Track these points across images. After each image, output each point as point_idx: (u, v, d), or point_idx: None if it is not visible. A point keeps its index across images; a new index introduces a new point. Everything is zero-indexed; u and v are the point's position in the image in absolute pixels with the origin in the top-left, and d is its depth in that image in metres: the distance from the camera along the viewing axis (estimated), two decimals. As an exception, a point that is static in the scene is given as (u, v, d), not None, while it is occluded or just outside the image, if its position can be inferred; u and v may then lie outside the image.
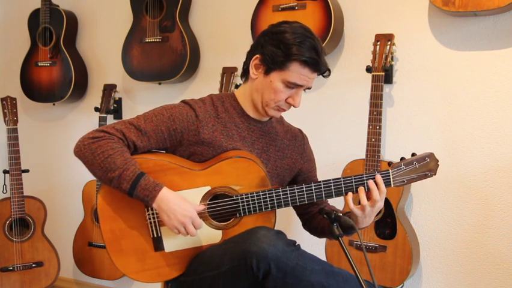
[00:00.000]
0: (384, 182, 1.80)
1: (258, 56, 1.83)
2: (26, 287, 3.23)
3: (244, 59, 1.90)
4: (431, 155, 1.84)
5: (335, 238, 1.70)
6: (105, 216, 1.80)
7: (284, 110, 1.88)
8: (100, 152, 1.72)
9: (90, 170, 1.77)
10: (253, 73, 1.85)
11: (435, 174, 1.85)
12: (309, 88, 1.85)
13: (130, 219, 1.80)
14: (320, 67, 1.79)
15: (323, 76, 1.86)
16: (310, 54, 1.76)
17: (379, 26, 2.65)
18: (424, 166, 1.83)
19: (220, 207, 1.81)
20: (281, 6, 2.69)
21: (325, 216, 1.74)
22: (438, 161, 1.84)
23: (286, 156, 1.98)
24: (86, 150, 1.75)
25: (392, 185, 1.81)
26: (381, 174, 1.80)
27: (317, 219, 2.01)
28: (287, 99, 1.83)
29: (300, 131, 2.07)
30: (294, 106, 1.85)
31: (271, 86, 1.81)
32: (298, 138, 2.03)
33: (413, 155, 1.84)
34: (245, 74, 1.91)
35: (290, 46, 1.76)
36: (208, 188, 1.81)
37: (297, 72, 1.77)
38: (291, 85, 1.80)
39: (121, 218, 1.79)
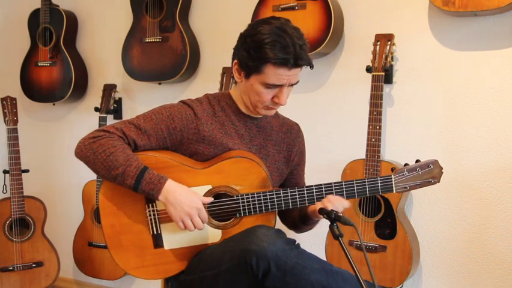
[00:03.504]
0: (387, 188, 1.80)
1: (235, 61, 1.84)
2: (26, 287, 3.23)
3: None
4: (435, 162, 1.83)
5: (335, 238, 1.70)
6: (106, 212, 1.81)
7: (274, 109, 1.88)
8: (102, 150, 1.73)
9: (93, 169, 1.78)
10: (237, 77, 1.86)
11: (438, 182, 1.84)
12: (293, 84, 1.81)
13: (131, 215, 1.81)
14: (297, 62, 1.74)
15: (310, 67, 1.82)
16: (282, 54, 1.72)
17: (379, 26, 2.65)
18: (428, 173, 1.82)
19: (220, 207, 1.82)
20: (281, 6, 2.69)
21: (325, 216, 1.74)
22: (442, 168, 1.84)
23: (283, 149, 1.99)
24: (88, 150, 1.75)
25: (394, 191, 1.81)
26: (383, 179, 1.80)
27: (289, 211, 2.01)
28: (273, 99, 1.82)
29: (297, 124, 2.08)
30: (280, 104, 1.83)
31: (253, 89, 1.81)
32: (293, 131, 2.04)
33: (417, 161, 1.83)
34: (233, 77, 1.91)
35: (260, 49, 1.73)
36: (209, 187, 1.81)
37: (272, 73, 1.75)
38: (271, 86, 1.78)
39: (122, 213, 1.80)
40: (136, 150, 1.81)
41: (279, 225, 1.86)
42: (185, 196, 1.74)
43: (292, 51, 1.73)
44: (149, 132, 1.80)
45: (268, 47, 1.73)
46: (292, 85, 1.82)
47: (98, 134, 1.77)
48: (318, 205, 1.79)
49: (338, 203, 1.78)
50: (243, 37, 1.82)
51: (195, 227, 1.76)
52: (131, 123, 1.81)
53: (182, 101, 1.89)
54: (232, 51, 1.88)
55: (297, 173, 2.07)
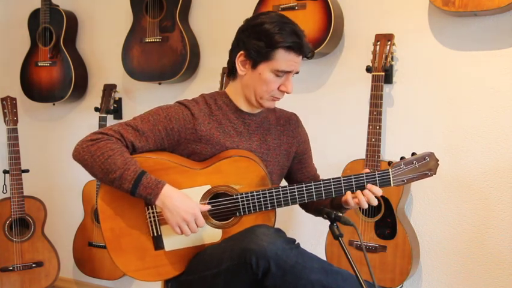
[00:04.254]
0: (384, 182, 1.82)
1: (242, 52, 1.84)
2: (26, 287, 3.23)
3: (228, 58, 1.92)
4: (431, 155, 1.84)
5: (335, 238, 1.70)
6: (105, 216, 1.80)
7: (278, 99, 1.90)
8: (100, 153, 1.73)
9: (90, 172, 1.77)
10: (241, 70, 1.86)
11: (435, 174, 1.86)
12: (297, 72, 1.87)
13: (130, 218, 1.80)
14: (303, 49, 1.82)
15: (307, 58, 1.87)
16: (292, 38, 1.78)
17: (379, 26, 2.65)
18: (424, 165, 1.84)
19: (220, 206, 1.82)
20: (281, 6, 2.69)
21: (325, 216, 1.74)
22: (438, 160, 1.85)
23: (283, 142, 1.99)
24: (85, 153, 1.75)
25: (392, 185, 1.82)
26: (381, 173, 1.81)
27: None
28: (279, 88, 1.85)
29: (294, 114, 2.08)
30: (287, 92, 1.86)
31: (261, 79, 1.82)
32: (292, 122, 2.04)
33: (413, 154, 1.85)
34: (232, 72, 1.92)
35: (271, 35, 1.78)
36: (208, 187, 1.81)
37: (283, 59, 1.79)
38: (280, 73, 1.81)
39: (121, 216, 1.80)
40: (134, 152, 1.81)
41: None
42: (182, 201, 1.74)
43: (300, 37, 1.80)
44: (147, 134, 1.80)
45: (277, 32, 1.77)
46: (296, 73, 1.87)
47: (96, 137, 1.77)
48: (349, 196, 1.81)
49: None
50: (249, 28, 1.84)
51: (191, 232, 1.77)
52: (128, 125, 1.81)
53: (178, 102, 1.89)
54: (231, 46, 1.89)
55: (305, 161, 2.07)
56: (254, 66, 1.83)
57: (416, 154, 1.84)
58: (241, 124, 1.92)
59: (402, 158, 1.84)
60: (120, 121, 1.89)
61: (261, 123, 1.96)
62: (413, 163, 1.83)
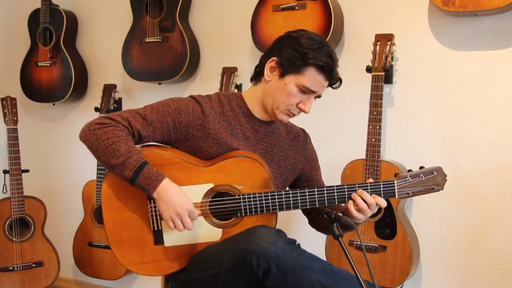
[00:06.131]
0: (389, 193, 1.80)
1: (274, 58, 1.84)
2: (26, 287, 3.23)
3: (258, 62, 1.92)
4: (438, 169, 1.82)
5: (335, 238, 1.70)
6: (108, 206, 1.82)
7: (294, 115, 1.89)
8: (105, 138, 1.74)
9: (94, 155, 1.79)
10: (268, 75, 1.86)
11: (442, 189, 1.83)
12: (319, 97, 1.87)
13: (132, 211, 1.82)
14: (333, 75, 1.82)
15: (332, 86, 1.87)
16: (327, 60, 1.78)
17: (379, 26, 2.65)
18: (431, 180, 1.81)
19: (221, 206, 1.82)
20: (281, 6, 2.69)
21: (325, 216, 1.74)
22: (446, 175, 1.83)
23: (289, 156, 1.99)
24: (91, 136, 1.77)
25: (397, 196, 1.80)
26: (385, 184, 1.80)
27: (320, 217, 2.01)
28: (298, 104, 1.84)
29: (303, 130, 2.08)
30: (304, 112, 1.85)
31: (285, 89, 1.82)
32: (300, 138, 2.04)
33: (421, 168, 1.83)
34: (257, 76, 1.91)
35: (308, 51, 1.78)
36: (211, 185, 1.82)
37: (312, 77, 1.79)
38: (304, 89, 1.81)
39: (124, 208, 1.81)
40: (140, 141, 1.83)
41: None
42: (179, 196, 1.75)
43: (334, 62, 1.81)
44: (154, 124, 1.81)
45: (315, 49, 1.78)
46: (317, 97, 1.87)
47: (105, 121, 1.78)
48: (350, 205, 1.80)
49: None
50: (288, 37, 1.85)
51: (185, 228, 1.77)
52: (138, 113, 1.82)
53: (191, 96, 1.89)
54: (265, 51, 1.90)
55: (312, 179, 2.07)
56: (282, 75, 1.82)
57: (423, 168, 1.82)
58: (250, 129, 1.92)
59: (409, 171, 1.82)
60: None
61: (271, 133, 1.96)
62: (419, 176, 1.80)
